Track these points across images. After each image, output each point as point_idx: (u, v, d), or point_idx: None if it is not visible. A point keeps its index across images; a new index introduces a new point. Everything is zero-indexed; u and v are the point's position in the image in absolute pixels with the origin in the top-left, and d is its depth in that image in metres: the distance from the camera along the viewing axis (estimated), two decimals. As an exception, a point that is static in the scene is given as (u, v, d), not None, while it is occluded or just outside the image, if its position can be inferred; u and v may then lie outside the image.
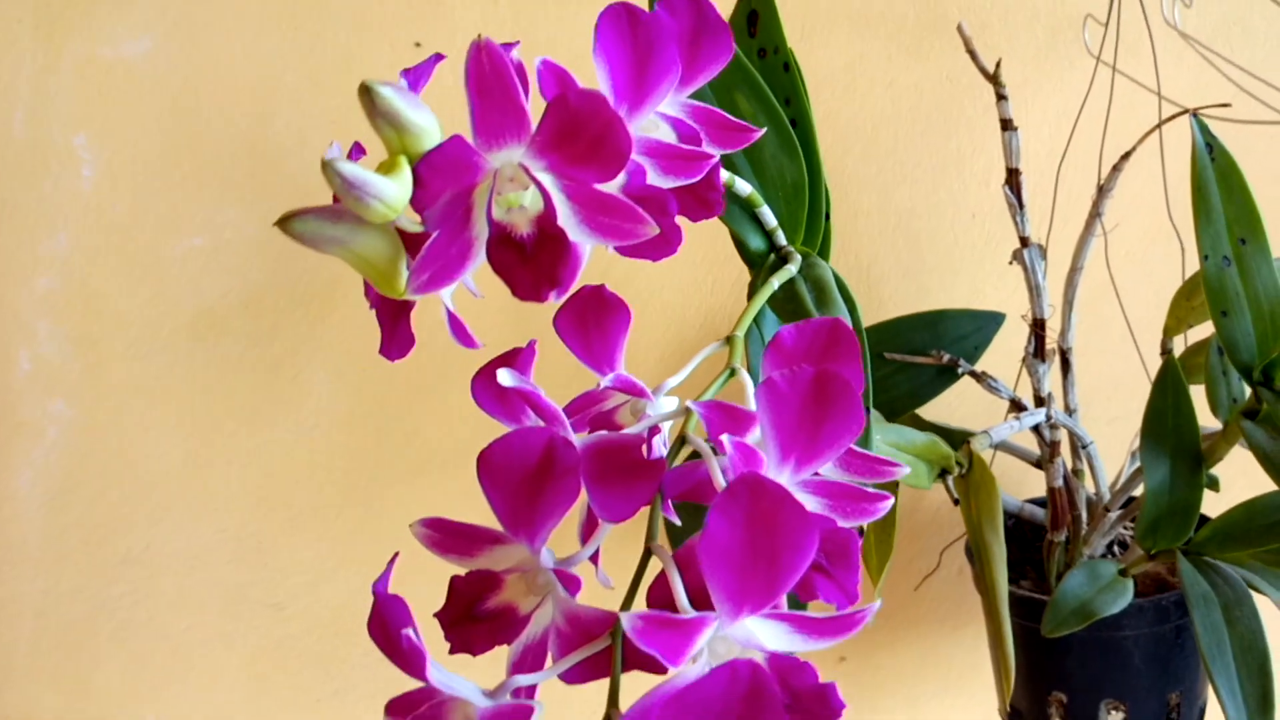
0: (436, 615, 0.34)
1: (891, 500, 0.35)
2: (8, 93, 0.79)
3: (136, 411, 0.84)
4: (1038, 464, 0.79)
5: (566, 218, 0.32)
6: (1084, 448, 0.78)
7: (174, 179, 0.82)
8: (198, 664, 0.87)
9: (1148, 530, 0.67)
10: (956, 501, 0.66)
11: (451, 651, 0.34)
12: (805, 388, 0.33)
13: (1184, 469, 0.65)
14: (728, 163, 0.54)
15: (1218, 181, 0.57)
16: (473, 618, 0.33)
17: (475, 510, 0.38)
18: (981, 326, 0.79)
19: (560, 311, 0.39)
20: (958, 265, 0.90)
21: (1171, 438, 0.64)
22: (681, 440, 0.36)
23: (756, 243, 0.55)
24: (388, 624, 0.30)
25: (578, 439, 0.34)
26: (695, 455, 0.35)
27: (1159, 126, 0.75)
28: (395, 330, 0.36)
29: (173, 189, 0.82)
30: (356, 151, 0.43)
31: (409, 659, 0.29)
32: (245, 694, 0.88)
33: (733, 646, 0.30)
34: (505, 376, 0.34)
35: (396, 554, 0.34)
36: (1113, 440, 0.82)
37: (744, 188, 0.53)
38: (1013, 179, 0.75)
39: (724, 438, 0.32)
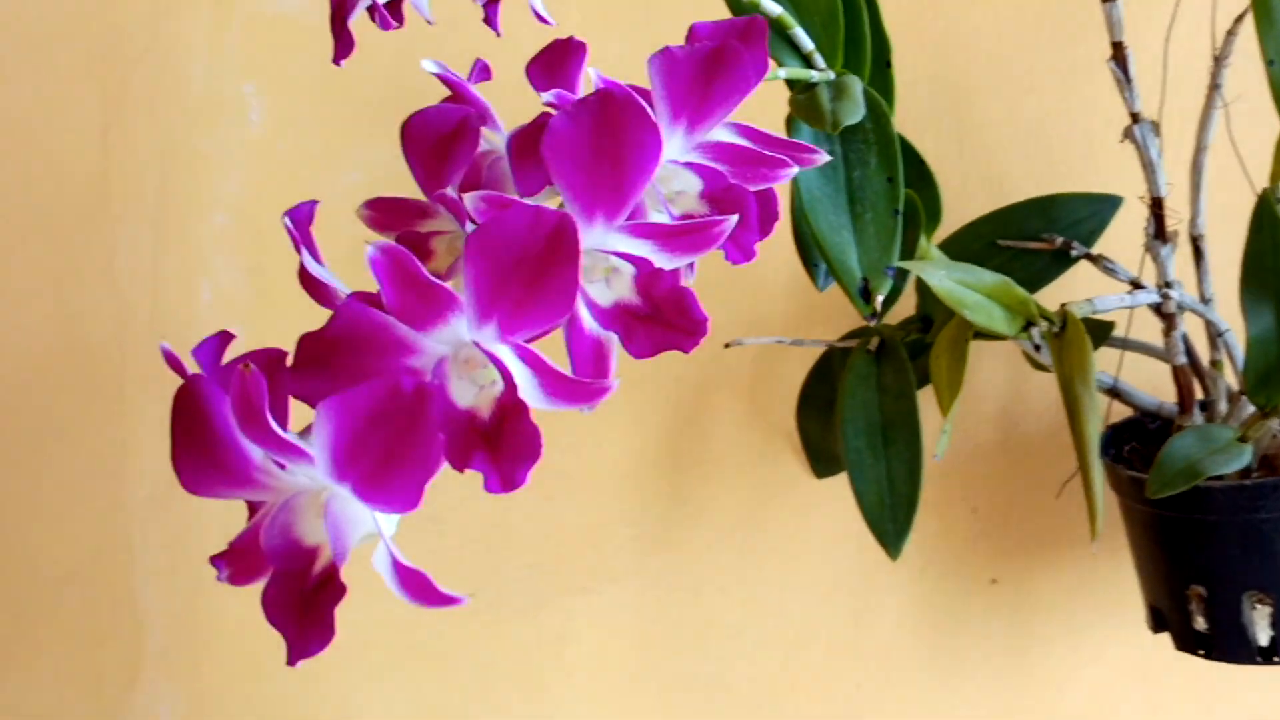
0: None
1: (795, 166, 0.36)
2: (188, 48, 0.89)
3: (302, 338, 0.91)
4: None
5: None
6: (1219, 335, 0.75)
7: (330, 121, 0.89)
8: (357, 577, 0.93)
9: (1258, 384, 0.64)
10: (1037, 347, 0.65)
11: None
12: (701, 56, 0.34)
13: (1290, 311, 0.61)
14: (758, -13, 0.56)
15: (1278, -20, 0.55)
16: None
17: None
18: (1098, 210, 0.77)
19: (532, 61, 0.43)
20: (1093, 173, 0.88)
21: (1272, 279, 0.61)
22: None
23: (794, 66, 0.56)
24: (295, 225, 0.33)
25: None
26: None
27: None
28: (342, 34, 0.40)
29: (329, 130, 0.89)
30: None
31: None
32: (403, 606, 0.93)
33: (597, 261, 0.32)
34: (429, 65, 0.37)
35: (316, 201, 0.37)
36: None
37: (772, 8, 0.55)
38: (1117, 53, 0.74)
39: (590, 70, 0.34)
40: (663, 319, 0.31)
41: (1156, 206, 0.74)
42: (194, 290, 0.91)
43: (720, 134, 0.36)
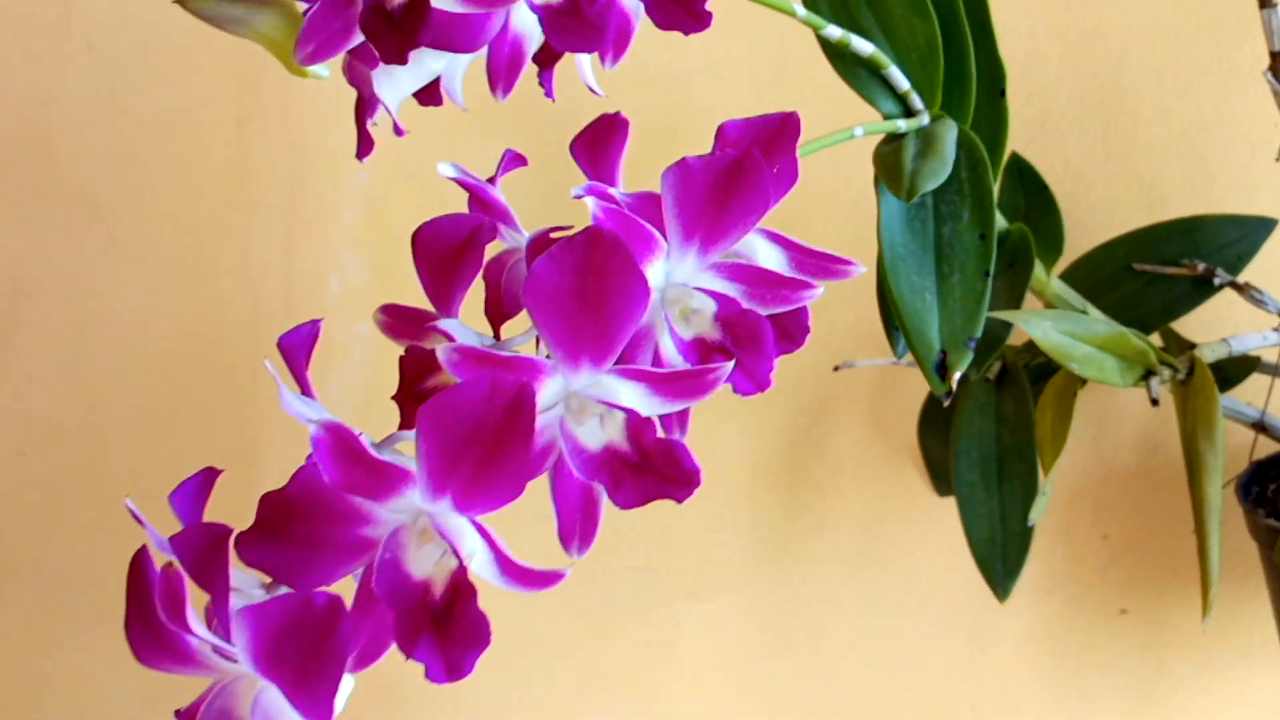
0: (393, 397, 0.37)
1: (820, 288, 0.34)
2: (317, 46, 0.89)
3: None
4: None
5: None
6: (1380, 373, 0.69)
7: (455, 122, 0.89)
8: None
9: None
10: (1154, 402, 0.60)
11: (402, 415, 0.36)
12: (718, 170, 0.32)
13: None
14: (851, 25, 0.52)
15: None
16: (415, 395, 0.36)
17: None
18: (1248, 233, 0.71)
19: (577, 138, 0.41)
20: (1255, 182, 0.81)
21: None
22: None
23: (888, 107, 0.53)
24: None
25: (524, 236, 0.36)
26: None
27: None
28: (361, 133, 0.39)
29: (454, 130, 0.89)
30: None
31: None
32: (518, 603, 0.94)
33: (588, 404, 0.30)
34: (446, 168, 0.36)
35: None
36: None
37: (863, 47, 0.52)
38: (1276, 63, 0.68)
39: (589, 199, 0.32)
40: (653, 469, 0.30)
41: (1314, 233, 0.68)
42: (324, 284, 0.92)
43: (750, 242, 0.33)
